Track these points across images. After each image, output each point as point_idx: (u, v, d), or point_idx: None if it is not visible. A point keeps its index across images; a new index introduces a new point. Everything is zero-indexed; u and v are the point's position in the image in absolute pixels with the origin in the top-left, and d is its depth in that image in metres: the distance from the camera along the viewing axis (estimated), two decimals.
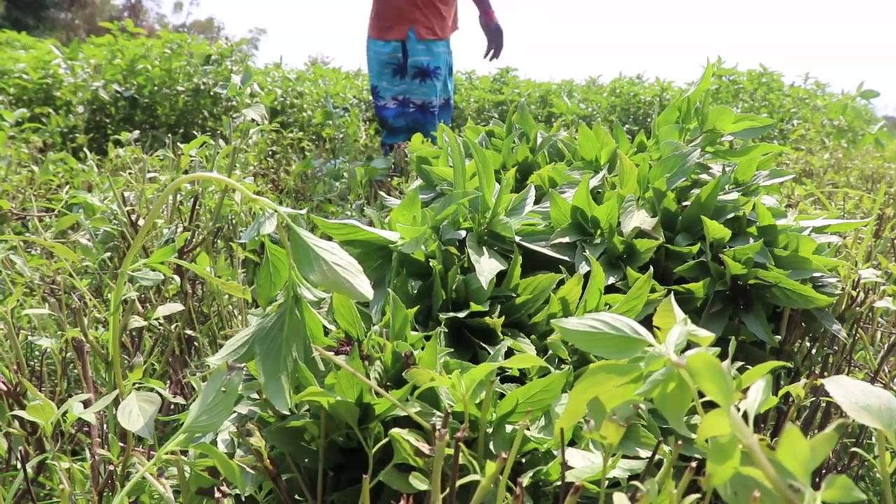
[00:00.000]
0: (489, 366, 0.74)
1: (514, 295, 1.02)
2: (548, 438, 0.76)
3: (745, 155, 1.28)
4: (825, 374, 1.19)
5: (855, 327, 1.25)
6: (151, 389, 0.88)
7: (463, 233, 1.11)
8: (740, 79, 6.73)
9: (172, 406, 1.22)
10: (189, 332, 1.43)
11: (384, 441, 0.72)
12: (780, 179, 1.27)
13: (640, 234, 1.11)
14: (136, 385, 0.88)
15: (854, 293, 1.22)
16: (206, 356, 1.34)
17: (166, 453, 0.68)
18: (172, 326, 1.41)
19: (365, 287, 0.72)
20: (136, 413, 0.73)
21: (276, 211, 0.72)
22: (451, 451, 0.66)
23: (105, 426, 1.15)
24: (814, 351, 1.21)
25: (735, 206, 1.16)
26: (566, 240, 1.13)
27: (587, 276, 0.97)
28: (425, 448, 0.68)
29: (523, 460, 0.75)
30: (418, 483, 0.66)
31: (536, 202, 1.24)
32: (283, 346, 0.74)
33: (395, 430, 0.69)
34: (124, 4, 34.16)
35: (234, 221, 1.87)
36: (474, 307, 0.98)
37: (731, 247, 1.11)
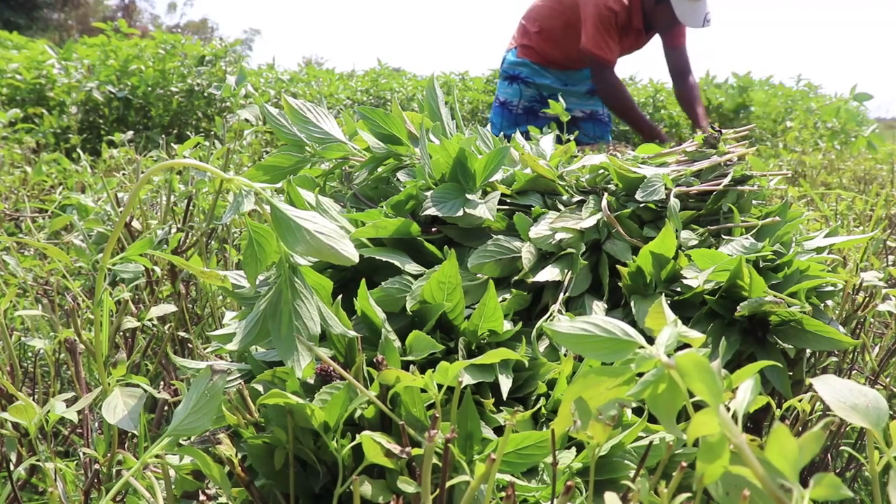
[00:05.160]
0: (459, 364, 0.74)
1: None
2: (539, 486, 0.75)
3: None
4: None
5: (858, 331, 1.26)
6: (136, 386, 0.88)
7: None
8: (730, 91, 6.76)
9: (167, 407, 1.22)
10: (182, 333, 1.43)
11: (354, 443, 0.71)
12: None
13: None
14: (124, 383, 0.88)
15: (858, 298, 1.22)
16: (199, 357, 1.34)
17: (152, 456, 0.68)
18: (166, 327, 1.41)
19: (350, 251, 0.72)
20: (120, 407, 0.73)
21: (252, 188, 0.72)
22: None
23: (99, 426, 1.15)
24: (816, 358, 1.20)
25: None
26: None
27: None
28: (396, 449, 0.68)
29: None
30: (406, 486, 0.66)
31: None
32: (291, 314, 0.74)
33: (365, 433, 0.69)
34: (118, 5, 34.08)
35: (228, 223, 1.87)
36: None
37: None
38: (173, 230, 1.58)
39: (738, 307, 1.00)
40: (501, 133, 3.01)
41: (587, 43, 3.44)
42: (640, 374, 0.48)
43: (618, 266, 1.08)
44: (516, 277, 1.08)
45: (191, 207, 1.69)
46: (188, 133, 4.87)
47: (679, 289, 1.08)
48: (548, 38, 3.62)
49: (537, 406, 0.87)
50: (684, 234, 1.18)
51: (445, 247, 1.05)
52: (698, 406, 0.44)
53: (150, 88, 5.19)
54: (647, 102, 6.89)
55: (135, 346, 1.32)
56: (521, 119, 3.68)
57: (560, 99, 2.11)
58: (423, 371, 0.82)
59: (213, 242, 1.83)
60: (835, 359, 1.22)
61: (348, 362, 0.87)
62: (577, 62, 3.67)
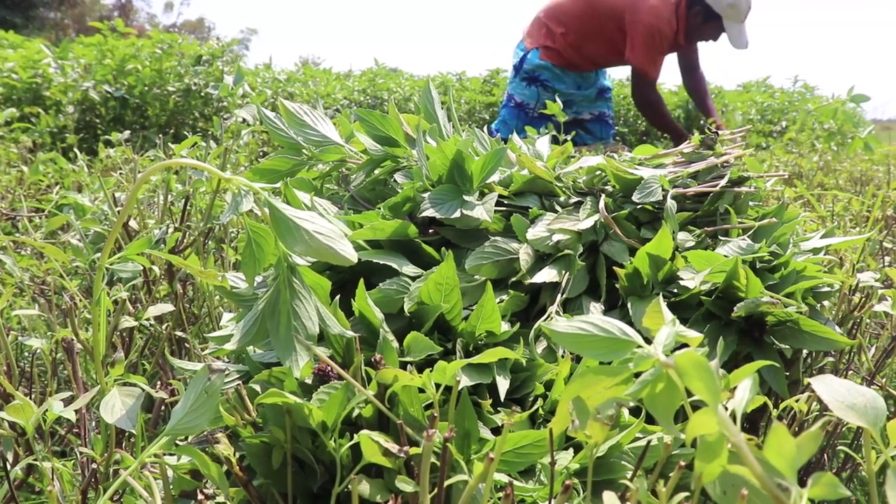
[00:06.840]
0: (457, 363, 0.74)
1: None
2: (536, 487, 0.75)
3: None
4: None
5: (854, 331, 1.26)
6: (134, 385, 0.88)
7: None
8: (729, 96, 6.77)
9: (164, 407, 1.21)
10: (179, 332, 1.42)
11: (352, 442, 0.71)
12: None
13: None
14: (122, 382, 0.88)
15: (854, 298, 1.23)
16: (195, 358, 1.34)
17: (149, 455, 0.68)
18: (163, 327, 1.41)
19: (348, 251, 0.72)
20: (118, 407, 0.73)
21: (251, 188, 0.72)
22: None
23: (96, 426, 1.15)
24: (813, 358, 1.21)
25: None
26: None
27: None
28: (394, 448, 0.68)
29: None
30: (404, 485, 0.66)
31: None
32: (290, 314, 0.75)
33: (363, 432, 0.69)
34: (114, 4, 34.03)
35: (225, 223, 1.87)
36: None
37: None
38: (170, 230, 1.58)
39: (734, 308, 1.00)
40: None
41: (635, 59, 3.54)
42: (638, 374, 0.48)
43: (615, 267, 1.09)
44: (514, 279, 1.08)
45: (188, 207, 1.69)
46: (185, 133, 4.86)
47: (676, 290, 1.08)
48: (573, 41, 3.66)
49: (535, 407, 0.87)
50: (681, 235, 1.18)
51: (443, 248, 1.05)
52: (696, 406, 0.45)
53: (146, 88, 5.18)
54: None
55: (132, 345, 1.32)
56: (537, 122, 3.71)
57: (558, 100, 2.13)
58: (420, 372, 0.82)
59: (210, 242, 1.83)
60: (831, 359, 1.22)
61: (346, 362, 0.87)
62: (592, 66, 3.74)
